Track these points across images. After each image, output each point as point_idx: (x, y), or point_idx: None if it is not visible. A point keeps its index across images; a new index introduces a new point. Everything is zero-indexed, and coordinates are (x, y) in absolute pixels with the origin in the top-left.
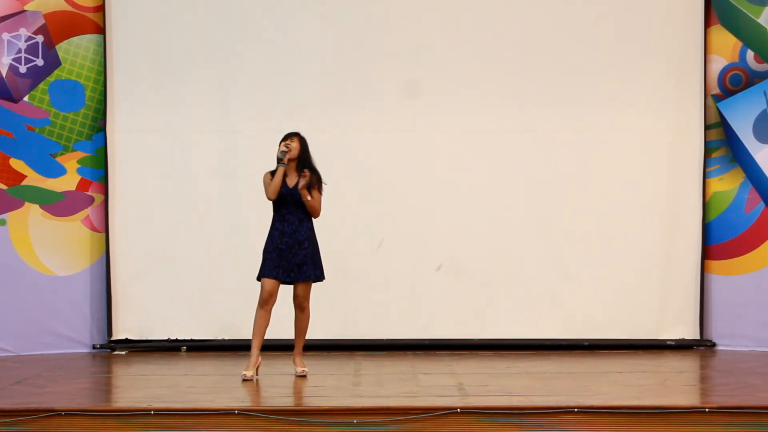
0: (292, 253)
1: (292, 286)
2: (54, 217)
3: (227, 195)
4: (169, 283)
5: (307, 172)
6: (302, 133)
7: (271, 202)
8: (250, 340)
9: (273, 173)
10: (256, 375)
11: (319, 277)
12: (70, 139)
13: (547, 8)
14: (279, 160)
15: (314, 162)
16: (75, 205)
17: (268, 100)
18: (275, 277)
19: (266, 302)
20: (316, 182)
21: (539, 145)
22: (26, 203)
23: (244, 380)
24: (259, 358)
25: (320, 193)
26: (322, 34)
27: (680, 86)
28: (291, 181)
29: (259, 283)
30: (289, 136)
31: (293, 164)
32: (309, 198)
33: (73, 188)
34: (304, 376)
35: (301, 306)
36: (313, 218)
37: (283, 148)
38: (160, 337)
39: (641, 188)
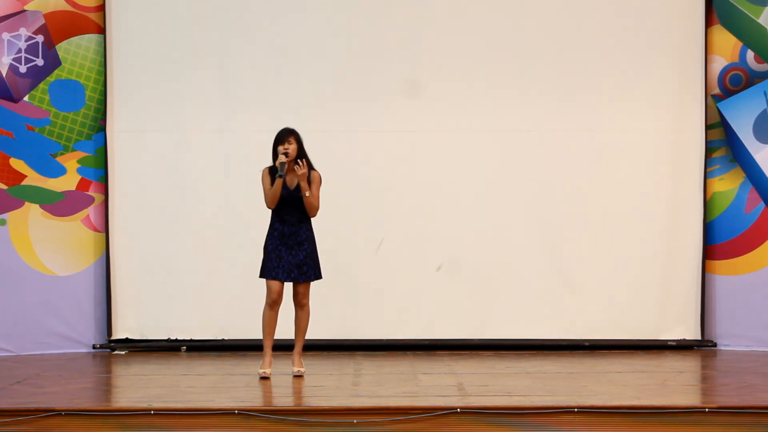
0: (292, 254)
1: (291, 284)
2: (54, 217)
3: (227, 195)
4: (169, 283)
5: (304, 164)
6: (295, 128)
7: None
8: (250, 340)
9: (271, 170)
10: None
11: (318, 276)
12: (70, 139)
13: (547, 9)
14: (278, 173)
15: (309, 158)
16: (75, 205)
17: (268, 99)
18: (276, 278)
19: (275, 303)
20: (317, 180)
21: (540, 145)
22: (26, 203)
23: (263, 378)
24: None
25: (318, 191)
26: (322, 33)
27: (681, 86)
28: (291, 183)
29: (262, 280)
30: (284, 138)
31: (291, 164)
32: (308, 194)
33: (73, 188)
34: (300, 376)
35: (300, 304)
36: (311, 217)
37: (282, 158)
38: (160, 337)
39: (642, 188)
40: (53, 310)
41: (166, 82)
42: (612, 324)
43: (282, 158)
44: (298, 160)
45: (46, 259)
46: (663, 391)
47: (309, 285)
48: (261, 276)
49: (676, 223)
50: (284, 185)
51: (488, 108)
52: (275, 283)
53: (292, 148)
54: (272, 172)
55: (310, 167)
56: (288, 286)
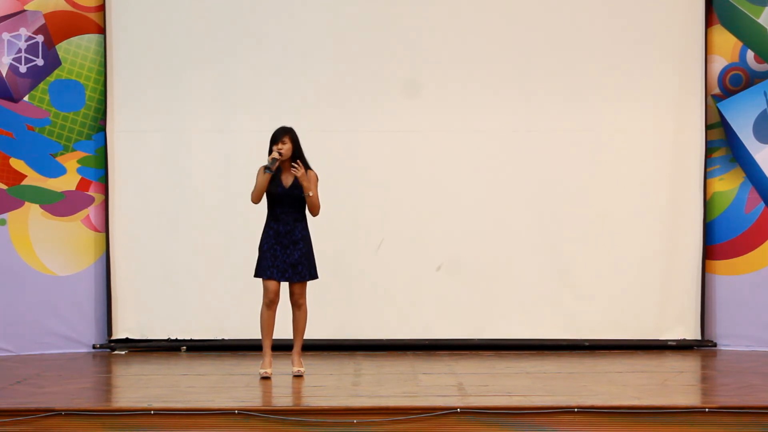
0: (286, 254)
1: (287, 285)
2: (54, 217)
3: (227, 195)
4: (169, 283)
5: (300, 165)
6: (293, 127)
7: (265, 200)
8: (250, 340)
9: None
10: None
11: (314, 276)
12: (70, 139)
13: (548, 9)
14: (267, 168)
15: (306, 158)
16: (75, 205)
17: (268, 99)
18: (271, 277)
19: (272, 303)
20: (314, 179)
21: (540, 145)
22: (26, 203)
23: (263, 378)
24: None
25: (317, 191)
26: (322, 33)
27: (681, 86)
28: (287, 181)
29: (257, 279)
30: (280, 136)
31: (287, 163)
32: (311, 194)
33: (73, 188)
34: (300, 376)
35: (297, 303)
36: (312, 216)
37: (275, 155)
38: (160, 337)
39: (642, 188)
40: (53, 310)
41: (166, 82)
42: (612, 324)
43: (275, 155)
44: (293, 163)
45: (46, 259)
46: (663, 391)
47: (305, 285)
48: (255, 275)
49: (676, 223)
50: (279, 183)
51: (488, 108)
52: (271, 283)
53: (286, 147)
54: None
55: (307, 167)
56: (285, 286)
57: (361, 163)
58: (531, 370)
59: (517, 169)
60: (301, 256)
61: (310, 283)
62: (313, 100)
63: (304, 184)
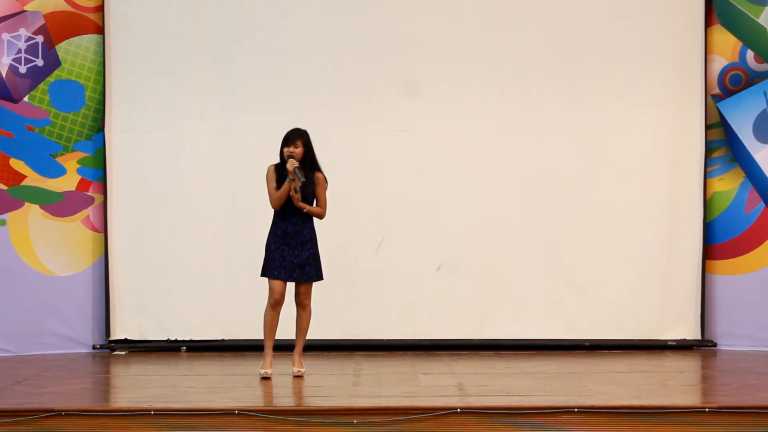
0: (294, 254)
1: (293, 285)
2: (54, 217)
3: (227, 194)
4: (169, 283)
5: (298, 192)
6: (304, 129)
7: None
8: (250, 340)
9: (277, 167)
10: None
11: (320, 276)
12: (70, 139)
13: (547, 9)
14: (288, 177)
15: (317, 159)
16: (75, 205)
17: (268, 99)
18: (278, 277)
19: (277, 303)
20: (321, 182)
21: (540, 144)
22: (26, 203)
23: (264, 378)
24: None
25: (325, 194)
26: (321, 33)
27: (681, 86)
28: (295, 181)
29: (263, 280)
30: (293, 140)
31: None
32: (305, 210)
33: (73, 188)
34: (300, 376)
35: (302, 304)
36: (318, 219)
37: (294, 163)
38: (159, 337)
39: (642, 188)
40: (53, 311)
41: (166, 82)
42: (612, 324)
43: (293, 162)
44: (294, 190)
45: (46, 259)
46: (663, 391)
47: (311, 285)
48: (263, 275)
49: (676, 223)
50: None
51: (488, 108)
52: (278, 283)
53: (297, 152)
54: (278, 170)
55: (317, 168)
56: (290, 286)
57: (361, 163)
58: (531, 370)
59: (518, 169)
60: (309, 257)
61: (313, 284)
62: (313, 99)
63: (298, 204)
